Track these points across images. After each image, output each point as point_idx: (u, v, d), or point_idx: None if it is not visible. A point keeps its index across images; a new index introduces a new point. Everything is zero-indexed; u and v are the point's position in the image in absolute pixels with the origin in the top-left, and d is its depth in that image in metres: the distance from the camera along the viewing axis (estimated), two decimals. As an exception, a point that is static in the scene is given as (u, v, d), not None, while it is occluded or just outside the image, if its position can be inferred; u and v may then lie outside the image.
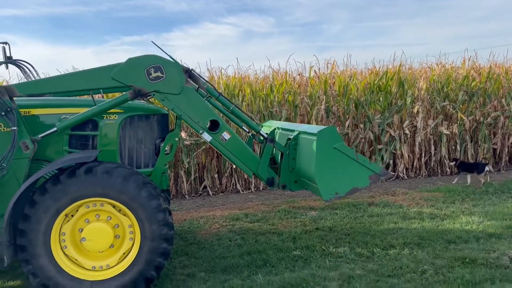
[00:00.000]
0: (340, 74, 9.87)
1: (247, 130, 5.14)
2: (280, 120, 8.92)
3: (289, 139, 4.90)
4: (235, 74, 9.60)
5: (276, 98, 9.15)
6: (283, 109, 9.07)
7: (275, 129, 5.69)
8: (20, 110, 4.15)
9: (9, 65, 4.87)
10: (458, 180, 8.44)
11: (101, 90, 4.43)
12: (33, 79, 4.86)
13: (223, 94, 5.14)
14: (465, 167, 8.62)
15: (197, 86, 4.72)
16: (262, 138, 5.04)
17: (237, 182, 9.04)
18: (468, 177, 8.28)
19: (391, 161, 9.63)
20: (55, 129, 4.16)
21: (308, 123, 9.23)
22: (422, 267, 4.29)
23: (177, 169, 8.81)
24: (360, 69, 10.53)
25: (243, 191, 8.96)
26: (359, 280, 4.06)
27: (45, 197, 3.71)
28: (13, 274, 4.73)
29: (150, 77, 4.28)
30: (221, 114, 5.40)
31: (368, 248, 4.96)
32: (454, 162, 8.76)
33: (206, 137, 4.55)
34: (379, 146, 9.47)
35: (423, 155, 9.71)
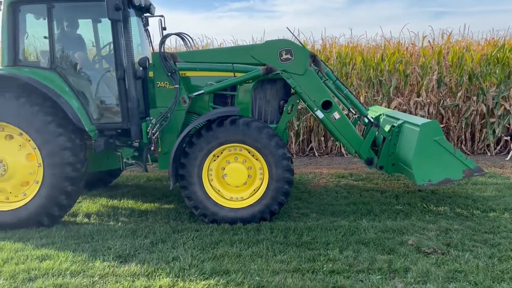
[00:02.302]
0: (455, 44, 9.72)
1: (354, 112, 5.77)
2: (389, 89, 9.24)
3: (393, 126, 5.42)
4: (347, 44, 10.02)
5: (387, 67, 9.42)
6: (393, 78, 9.34)
7: (380, 114, 6.24)
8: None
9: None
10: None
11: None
12: (191, 49, 5.95)
13: (339, 79, 5.78)
14: None
15: (318, 69, 5.44)
16: (367, 121, 5.63)
17: (342, 145, 9.64)
18: None
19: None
20: (202, 91, 5.22)
21: (418, 93, 9.40)
22: (519, 229, 4.63)
23: (287, 130, 9.68)
24: (477, 39, 10.20)
25: (347, 155, 9.55)
26: (456, 232, 4.57)
27: (200, 140, 4.82)
28: (167, 200, 6.11)
29: (281, 58, 5.14)
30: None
31: (468, 210, 5.35)
32: (510, 136, 8.50)
33: (319, 114, 5.30)
34: (492, 120, 9.29)
35: (541, 131, 9.31)
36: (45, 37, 5.01)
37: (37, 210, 4.90)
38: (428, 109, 9.32)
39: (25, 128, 4.77)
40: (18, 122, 4.76)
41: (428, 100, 9.26)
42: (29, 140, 4.84)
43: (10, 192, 5.03)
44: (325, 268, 3.76)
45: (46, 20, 4.96)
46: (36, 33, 5.27)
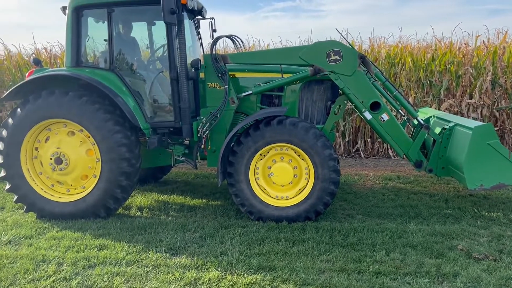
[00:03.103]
0: (511, 44, 9.29)
1: (403, 114, 5.67)
2: (440, 90, 8.99)
3: (444, 128, 5.29)
4: (396, 44, 9.83)
5: (437, 68, 9.16)
6: (444, 79, 9.07)
7: (430, 116, 6.09)
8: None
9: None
10: None
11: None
12: (241, 51, 6.09)
13: (389, 80, 5.69)
14: None
15: (367, 70, 5.41)
16: (417, 123, 5.52)
17: (389, 147, 9.48)
18: None
19: None
20: (250, 92, 5.34)
21: (470, 95, 9.08)
22: None
23: (334, 131, 9.63)
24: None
25: (394, 157, 9.38)
26: (509, 239, 4.41)
27: (248, 139, 4.94)
28: (214, 197, 6.30)
29: (330, 59, 5.16)
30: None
31: (523, 216, 5.14)
32: None
33: (367, 115, 5.26)
34: (552, 123, 8.82)
35: None
36: (105, 40, 5.32)
37: (95, 202, 5.22)
38: (481, 111, 8.98)
39: (85, 125, 5.09)
40: (80, 119, 5.08)
41: (482, 102, 8.92)
42: (89, 137, 5.16)
43: (71, 185, 5.39)
44: (371, 269, 3.77)
45: (106, 24, 5.27)
46: (95, 35, 5.61)
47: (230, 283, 3.59)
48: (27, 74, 5.73)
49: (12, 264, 4.09)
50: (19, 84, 5.37)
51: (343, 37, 5.71)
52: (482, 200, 5.79)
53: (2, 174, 5.33)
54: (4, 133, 5.24)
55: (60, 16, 5.66)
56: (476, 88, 8.93)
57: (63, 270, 3.93)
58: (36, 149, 5.35)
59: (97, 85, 5.07)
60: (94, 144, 5.16)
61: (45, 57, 10.69)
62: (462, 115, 8.93)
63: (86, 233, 4.80)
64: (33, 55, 10.71)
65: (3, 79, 10.46)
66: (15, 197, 5.38)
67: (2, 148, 5.26)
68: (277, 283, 3.59)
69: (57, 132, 5.28)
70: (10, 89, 5.41)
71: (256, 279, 3.64)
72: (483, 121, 8.91)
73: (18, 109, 5.19)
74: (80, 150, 5.25)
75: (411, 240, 4.39)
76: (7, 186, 5.37)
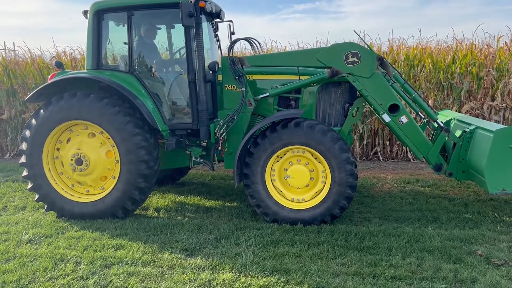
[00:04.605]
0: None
1: (423, 116, 5.58)
2: (461, 92, 8.83)
3: (464, 131, 5.20)
4: (416, 45, 9.70)
5: (458, 70, 9.01)
6: (464, 81, 8.90)
7: (451, 119, 5.99)
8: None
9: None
10: None
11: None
12: (258, 53, 6.10)
13: (408, 82, 5.62)
14: None
15: (386, 72, 5.36)
16: (437, 126, 5.44)
17: (408, 150, 9.34)
18: None
19: None
20: (267, 94, 5.36)
21: (492, 97, 8.89)
22: None
23: (351, 133, 9.55)
24: None
25: (413, 160, 9.24)
26: (530, 245, 4.31)
27: (264, 141, 4.95)
28: (230, 198, 6.34)
29: (348, 61, 5.13)
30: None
31: (546, 222, 5.01)
32: None
33: (386, 117, 5.20)
34: None
35: None
36: (124, 43, 5.42)
37: (113, 203, 5.30)
38: (504, 114, 8.78)
39: (105, 127, 5.18)
40: (100, 121, 5.18)
41: (504, 105, 8.72)
42: (109, 138, 5.25)
43: (90, 186, 5.49)
44: (386, 274, 3.73)
45: (126, 27, 5.36)
46: (116, 39, 5.72)
47: (244, 285, 3.60)
48: (49, 76, 5.88)
49: (32, 262, 4.19)
50: (41, 86, 5.51)
51: (361, 38, 5.68)
52: (503, 205, 5.67)
53: (25, 173, 5.48)
54: (28, 133, 5.38)
55: (82, 19, 5.81)
56: (498, 90, 8.74)
57: (80, 269, 4.01)
58: (58, 149, 5.47)
59: (117, 87, 5.16)
60: (113, 146, 5.25)
61: (66, 60, 10.93)
62: (483, 118, 8.75)
63: (104, 233, 4.89)
64: (54, 58, 10.96)
65: (26, 82, 10.74)
66: (37, 196, 5.52)
67: (25, 148, 5.40)
68: (291, 286, 3.58)
69: (78, 134, 5.39)
70: (33, 91, 5.57)
71: (270, 282, 3.65)
72: (505, 124, 8.72)
73: (41, 110, 5.33)
74: (100, 151, 5.35)
75: (428, 245, 4.33)
76: (29, 185, 5.52)
